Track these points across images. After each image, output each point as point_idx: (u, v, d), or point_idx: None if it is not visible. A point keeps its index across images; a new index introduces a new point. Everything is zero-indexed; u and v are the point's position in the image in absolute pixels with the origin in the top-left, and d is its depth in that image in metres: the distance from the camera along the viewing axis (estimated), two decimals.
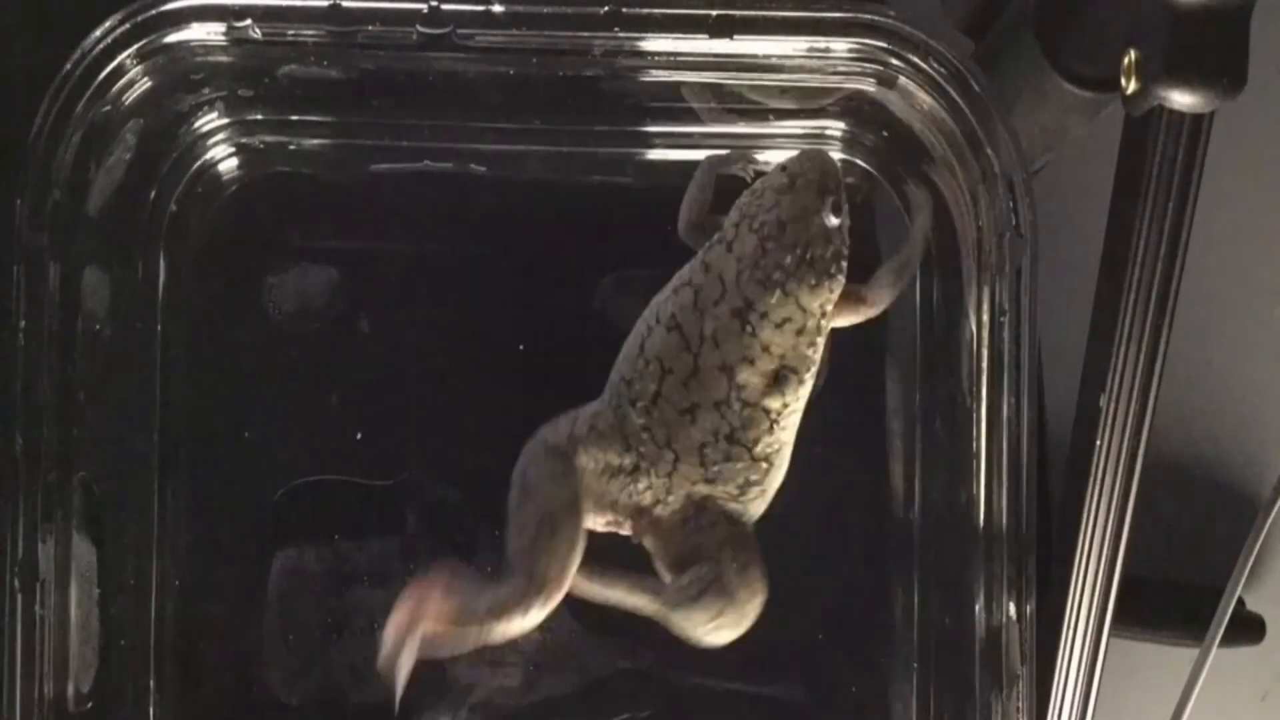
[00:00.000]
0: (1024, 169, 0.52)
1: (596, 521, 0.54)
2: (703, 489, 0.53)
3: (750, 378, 0.51)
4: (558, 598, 0.52)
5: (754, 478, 0.53)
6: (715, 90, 0.56)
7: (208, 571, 0.58)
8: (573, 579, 0.53)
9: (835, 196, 0.51)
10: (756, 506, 0.54)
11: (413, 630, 0.51)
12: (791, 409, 0.53)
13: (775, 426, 0.52)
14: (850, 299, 0.53)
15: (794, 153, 0.52)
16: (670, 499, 0.53)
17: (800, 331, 0.51)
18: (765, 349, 0.51)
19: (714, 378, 0.51)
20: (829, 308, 0.52)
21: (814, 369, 0.53)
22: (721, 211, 0.53)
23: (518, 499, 0.53)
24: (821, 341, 0.52)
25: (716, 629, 0.53)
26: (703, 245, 0.53)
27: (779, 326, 0.51)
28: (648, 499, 0.53)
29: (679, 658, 0.54)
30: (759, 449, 0.52)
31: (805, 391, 0.53)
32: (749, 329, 0.51)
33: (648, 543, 0.54)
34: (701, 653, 0.53)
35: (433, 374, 0.59)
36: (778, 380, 0.52)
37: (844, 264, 0.52)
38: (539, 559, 0.52)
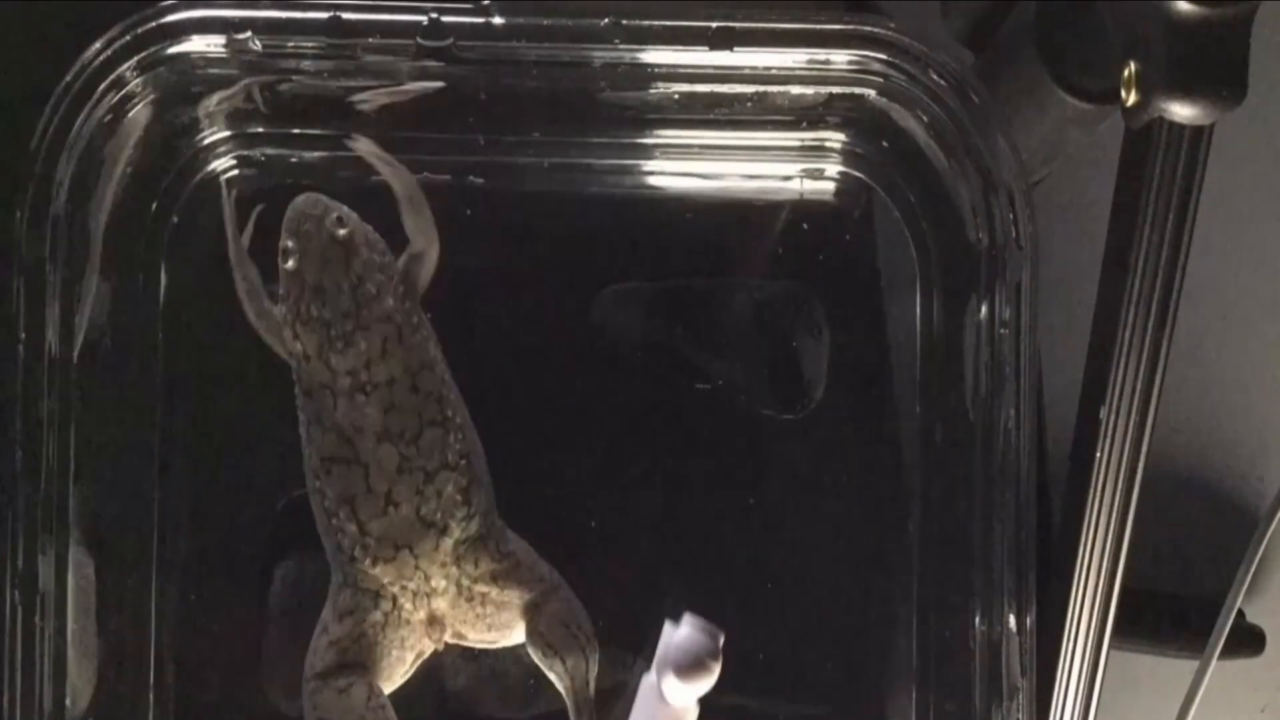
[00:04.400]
0: (1024, 181, 0.52)
1: (402, 671, 0.54)
2: (446, 546, 0.52)
3: (403, 425, 0.51)
4: None
5: (462, 482, 0.52)
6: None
7: (208, 584, 0.58)
8: None
9: (329, 212, 0.51)
10: (488, 515, 0.53)
11: None
12: (449, 400, 0.52)
13: (449, 428, 0.52)
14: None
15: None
16: (434, 586, 0.53)
17: (401, 341, 0.51)
18: (392, 393, 0.51)
19: (388, 457, 0.51)
20: (399, 290, 0.52)
21: (428, 339, 0.52)
22: None
23: None
24: (419, 335, 0.52)
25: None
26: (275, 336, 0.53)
27: (386, 360, 0.51)
28: (422, 612, 0.53)
29: None
30: (451, 455, 0.52)
31: (445, 374, 0.53)
32: (368, 395, 0.51)
33: (469, 638, 0.54)
34: None
35: None
36: (418, 403, 0.51)
37: (384, 251, 0.52)
38: None
